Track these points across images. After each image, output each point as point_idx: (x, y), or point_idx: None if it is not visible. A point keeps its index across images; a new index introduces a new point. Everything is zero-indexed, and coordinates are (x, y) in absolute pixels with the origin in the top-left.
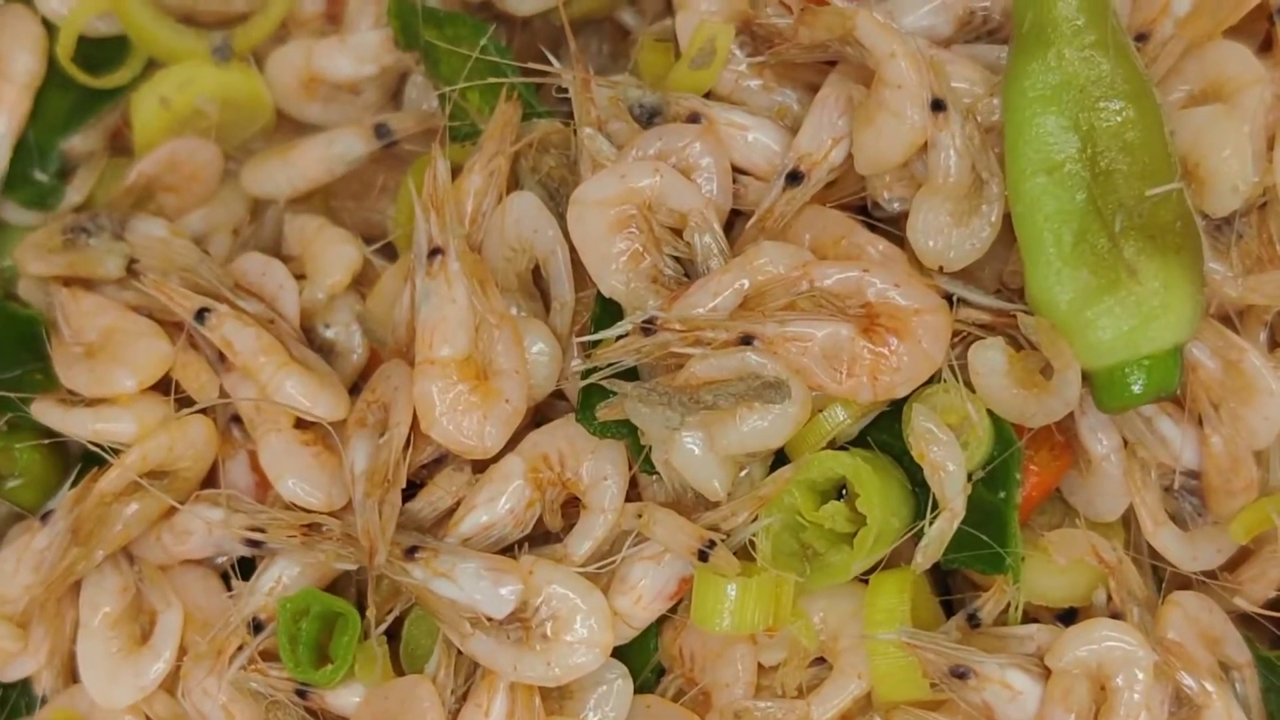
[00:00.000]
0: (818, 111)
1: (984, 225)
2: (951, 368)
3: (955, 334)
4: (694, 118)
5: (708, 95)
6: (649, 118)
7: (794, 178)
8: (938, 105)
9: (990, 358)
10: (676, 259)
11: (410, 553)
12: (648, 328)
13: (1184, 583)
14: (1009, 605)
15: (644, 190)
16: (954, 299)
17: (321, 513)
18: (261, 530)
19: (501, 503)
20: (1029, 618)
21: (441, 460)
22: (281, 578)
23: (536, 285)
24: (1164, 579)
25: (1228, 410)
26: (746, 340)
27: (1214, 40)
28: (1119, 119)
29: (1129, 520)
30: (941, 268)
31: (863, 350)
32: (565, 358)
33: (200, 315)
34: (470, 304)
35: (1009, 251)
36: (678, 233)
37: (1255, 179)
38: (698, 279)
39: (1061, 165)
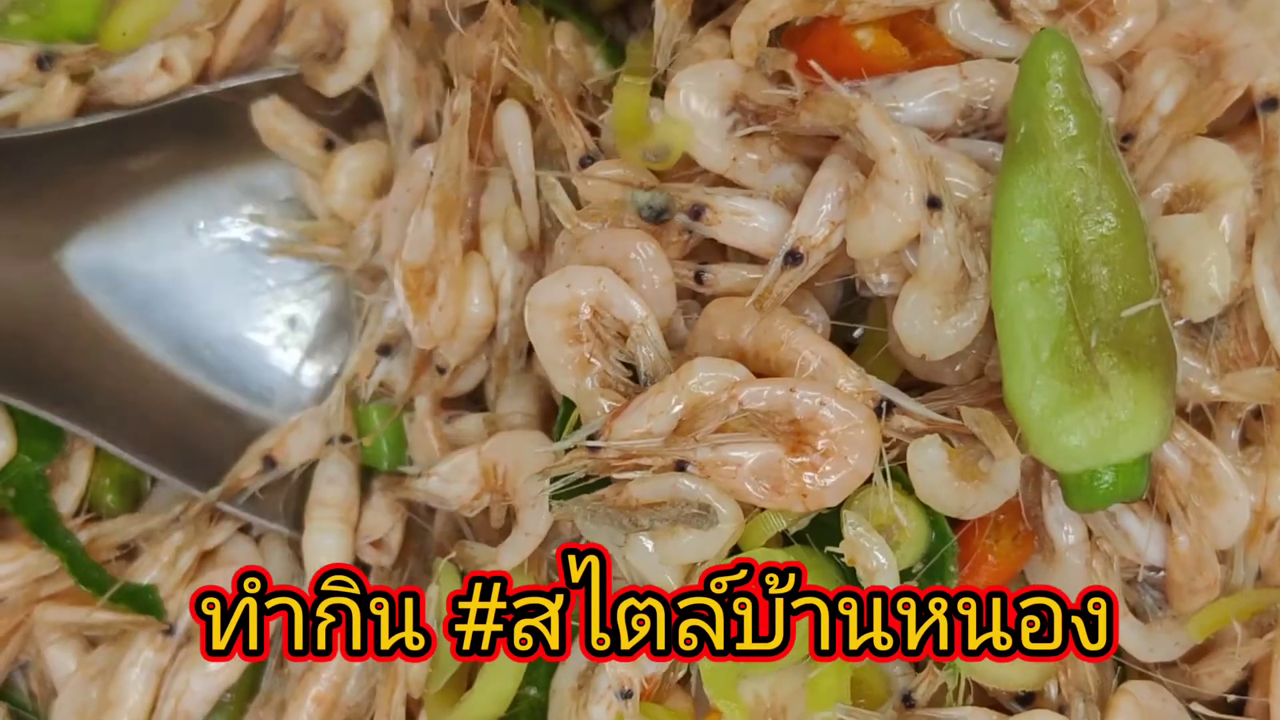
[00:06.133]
0: (817, 194)
1: (967, 319)
2: (883, 472)
3: (886, 440)
4: (697, 209)
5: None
6: (656, 217)
7: (792, 258)
8: (933, 203)
9: (930, 455)
10: (625, 363)
11: None
12: (592, 444)
13: (1144, 673)
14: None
15: (588, 298)
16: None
17: None
18: None
19: (451, 487)
20: (988, 700)
21: None
22: None
23: None
24: (1124, 669)
25: (1193, 510)
26: (681, 465)
27: (1199, 140)
28: (1102, 234)
29: None
30: (924, 355)
31: (792, 469)
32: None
33: None
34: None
35: (993, 342)
36: (623, 336)
37: (1235, 279)
38: (640, 390)
39: (1044, 276)
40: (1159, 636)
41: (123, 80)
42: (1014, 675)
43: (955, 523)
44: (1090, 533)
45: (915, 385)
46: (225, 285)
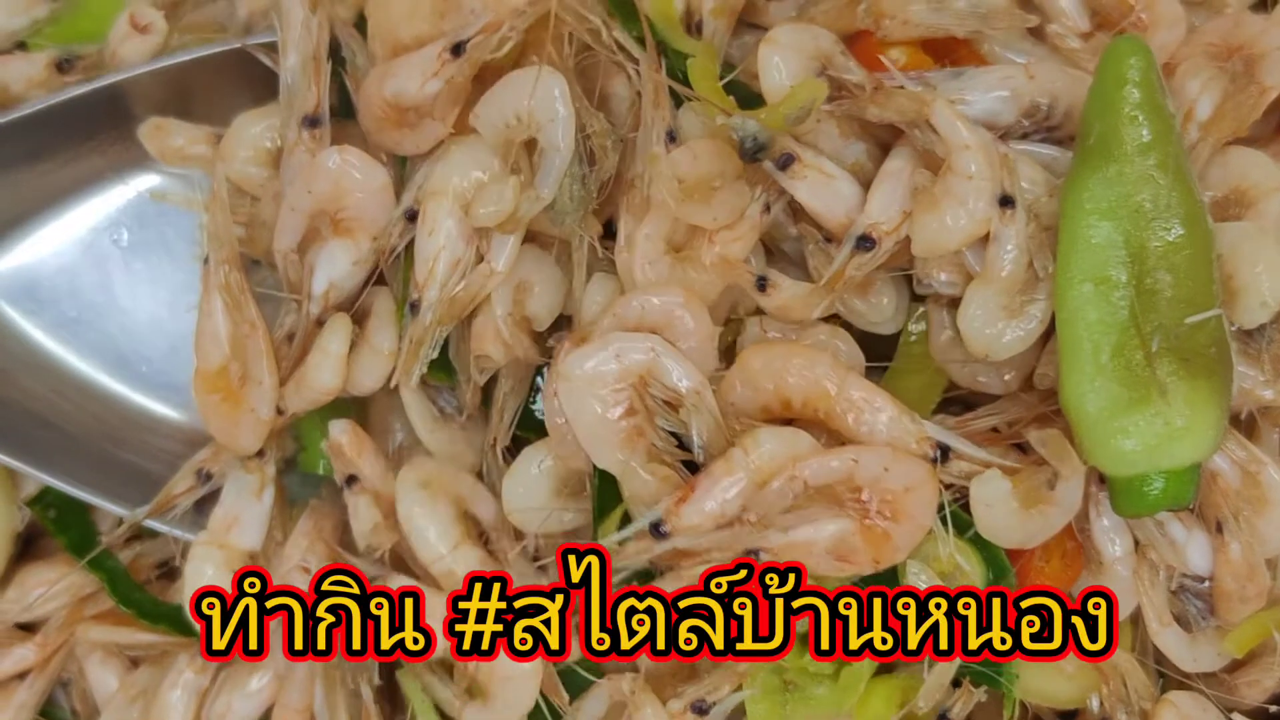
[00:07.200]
0: (889, 182)
1: (1031, 320)
2: (942, 517)
3: (947, 485)
4: (787, 158)
5: None
6: (755, 153)
7: (865, 242)
8: (1005, 201)
9: (994, 489)
10: (671, 431)
11: None
12: (657, 529)
13: (1185, 683)
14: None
15: (637, 368)
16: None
17: None
18: None
19: None
20: (1030, 717)
21: None
22: None
23: None
24: (1165, 679)
25: (1243, 518)
26: (751, 552)
27: (1235, 148)
28: (1169, 241)
29: (1135, 618)
30: (987, 356)
31: (862, 540)
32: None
33: None
34: (228, 315)
35: (1040, 351)
36: (670, 404)
37: None
38: (694, 457)
39: (1109, 278)
40: (1202, 646)
41: (118, 58)
42: (1063, 691)
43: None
44: (1137, 543)
45: (960, 399)
46: (158, 294)
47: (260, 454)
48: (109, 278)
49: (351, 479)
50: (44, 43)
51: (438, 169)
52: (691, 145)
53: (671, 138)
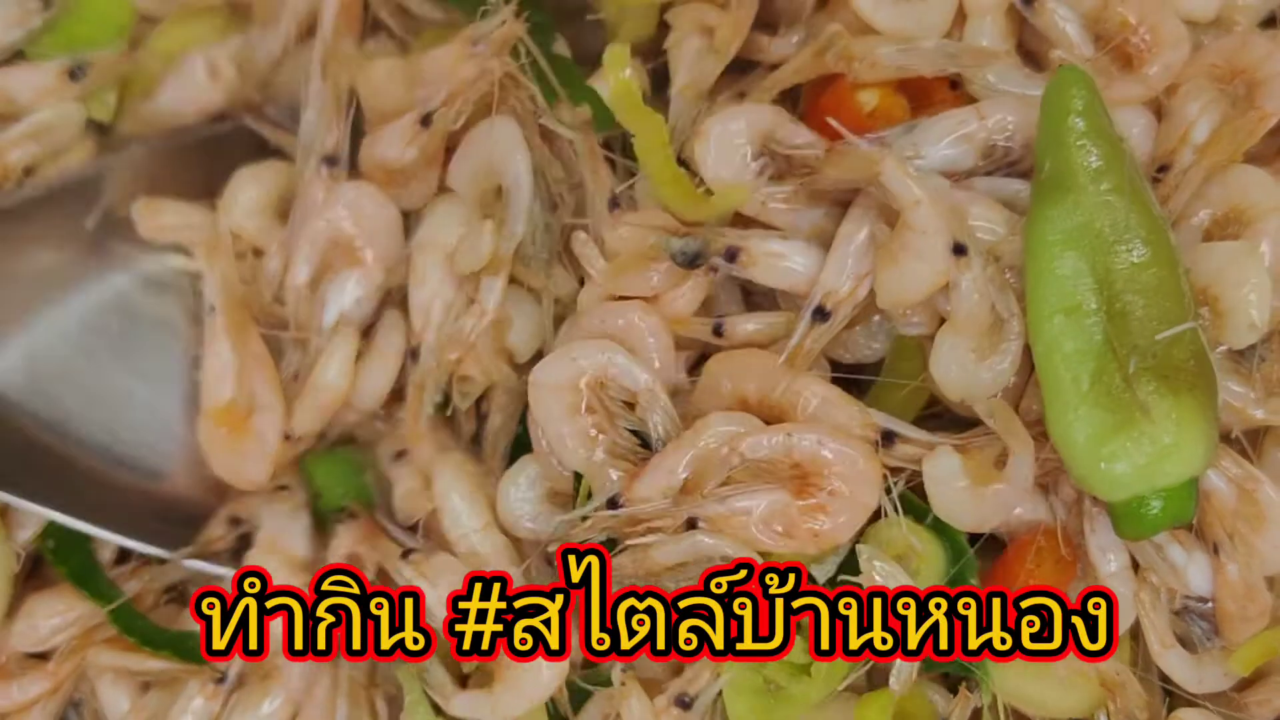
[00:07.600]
0: (842, 248)
1: (1003, 361)
2: (893, 503)
3: (896, 470)
4: (732, 252)
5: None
6: (691, 261)
7: (820, 314)
8: (959, 249)
9: (946, 465)
10: (633, 430)
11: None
12: (614, 504)
13: (1193, 701)
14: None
15: (593, 371)
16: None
17: None
18: None
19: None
20: None
21: None
22: None
23: None
24: (1172, 698)
25: (1240, 538)
26: (691, 523)
27: (1236, 166)
28: (1134, 262)
29: (1135, 633)
30: (962, 400)
31: (799, 512)
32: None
33: None
34: (235, 354)
35: (1026, 381)
36: (631, 405)
37: (1276, 304)
38: (654, 453)
39: (1079, 307)
40: (1207, 667)
41: (177, 102)
42: (1063, 701)
43: (996, 549)
44: (1137, 565)
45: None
46: (162, 369)
47: (285, 488)
48: (104, 361)
49: (401, 454)
50: (47, 51)
51: (424, 225)
52: (625, 223)
53: (615, 205)
